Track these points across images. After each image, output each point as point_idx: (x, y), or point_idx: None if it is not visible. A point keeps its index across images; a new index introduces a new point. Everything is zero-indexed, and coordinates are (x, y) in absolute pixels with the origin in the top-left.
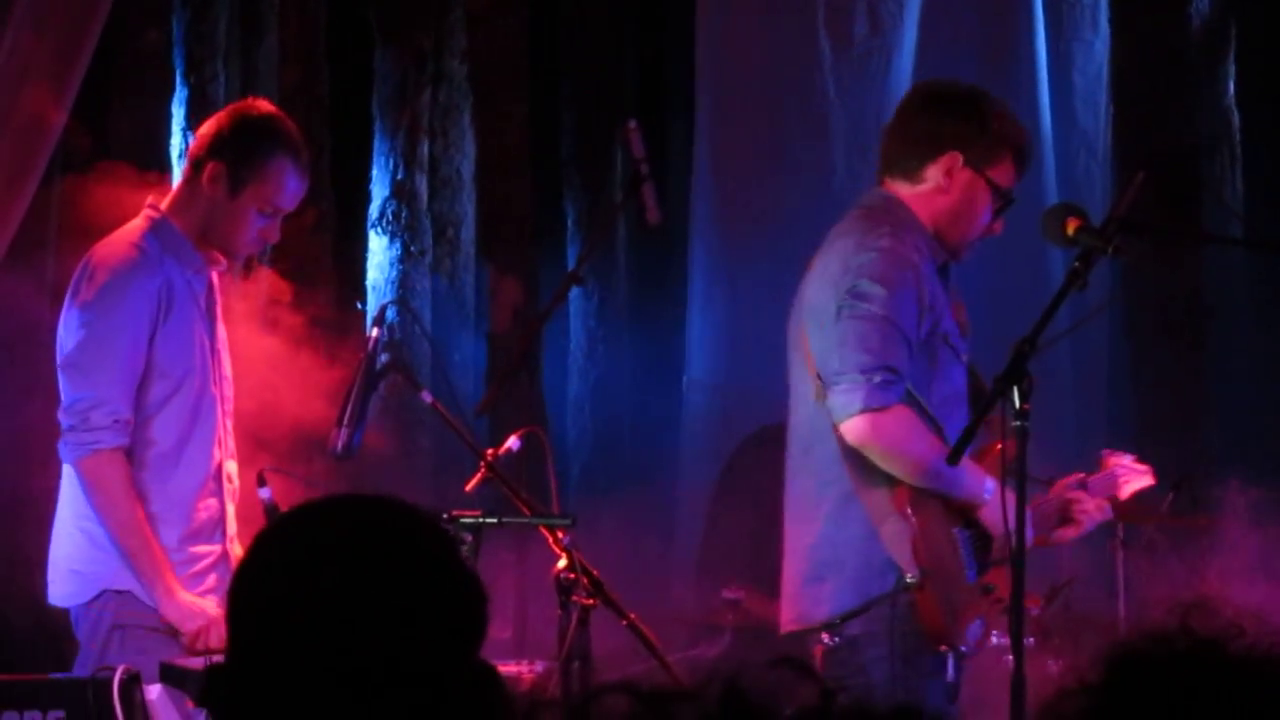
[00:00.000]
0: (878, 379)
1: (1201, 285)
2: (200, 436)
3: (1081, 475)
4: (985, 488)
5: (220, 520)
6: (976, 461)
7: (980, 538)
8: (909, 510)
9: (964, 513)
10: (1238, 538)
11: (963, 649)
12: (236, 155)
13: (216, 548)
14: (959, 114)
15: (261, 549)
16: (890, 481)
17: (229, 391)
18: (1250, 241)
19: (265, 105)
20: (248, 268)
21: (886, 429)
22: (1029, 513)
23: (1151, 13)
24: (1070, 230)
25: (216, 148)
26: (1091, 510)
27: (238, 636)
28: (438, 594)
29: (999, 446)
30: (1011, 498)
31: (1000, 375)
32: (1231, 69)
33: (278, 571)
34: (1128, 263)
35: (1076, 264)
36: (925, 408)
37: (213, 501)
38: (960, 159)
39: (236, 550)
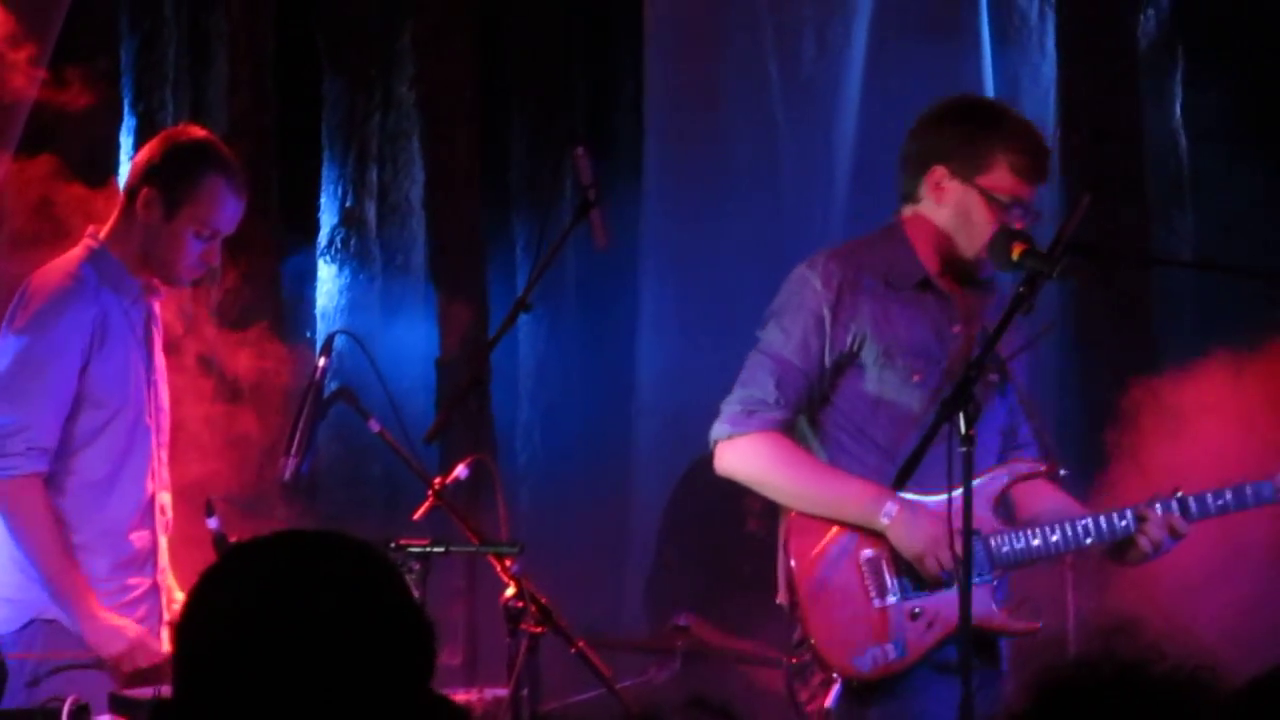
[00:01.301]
0: (738, 409)
1: (1150, 307)
2: (133, 467)
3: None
4: (884, 510)
5: (152, 551)
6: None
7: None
8: (786, 537)
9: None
10: (1183, 553)
11: (855, 675)
12: (169, 178)
13: (148, 579)
14: (943, 127)
15: (209, 585)
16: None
17: (165, 422)
18: (1197, 263)
19: (197, 130)
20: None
21: (741, 457)
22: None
23: (1098, 35)
24: (1015, 254)
25: (149, 173)
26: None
27: (186, 672)
28: (386, 628)
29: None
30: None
31: (946, 399)
32: (1178, 91)
33: (225, 608)
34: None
35: (1022, 288)
36: (859, 429)
37: (145, 533)
38: (946, 171)
39: (170, 582)
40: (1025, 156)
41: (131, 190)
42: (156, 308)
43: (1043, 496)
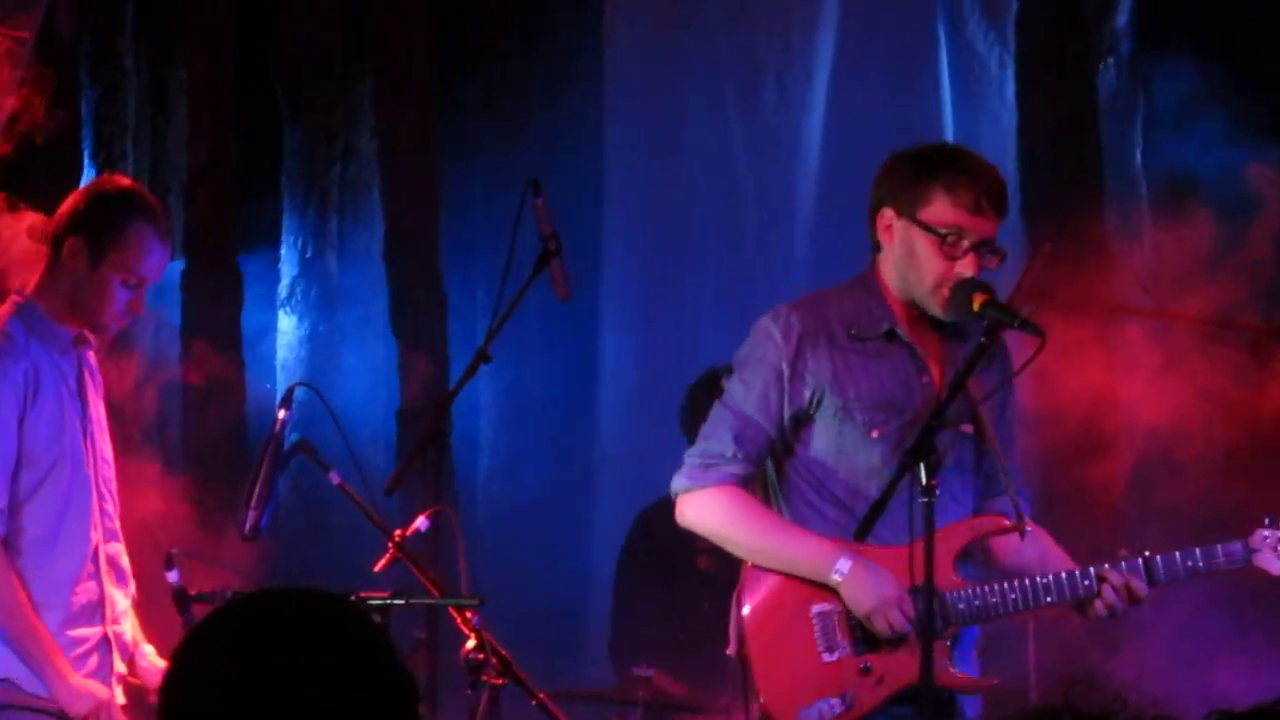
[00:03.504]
0: (697, 462)
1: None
2: (75, 520)
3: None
4: (835, 568)
5: (100, 603)
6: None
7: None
8: (740, 589)
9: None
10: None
11: None
12: (94, 227)
13: (97, 630)
14: (892, 171)
15: (194, 644)
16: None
17: (107, 472)
18: (1159, 312)
19: (122, 179)
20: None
21: (698, 511)
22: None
23: (1058, 83)
24: (976, 305)
25: (74, 222)
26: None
27: None
28: (370, 686)
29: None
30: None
31: (908, 450)
32: (1139, 138)
33: (211, 667)
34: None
35: (983, 338)
36: (820, 482)
37: (91, 584)
38: (893, 211)
39: (135, 635)
40: (963, 186)
41: (57, 240)
42: (91, 357)
43: (1023, 546)
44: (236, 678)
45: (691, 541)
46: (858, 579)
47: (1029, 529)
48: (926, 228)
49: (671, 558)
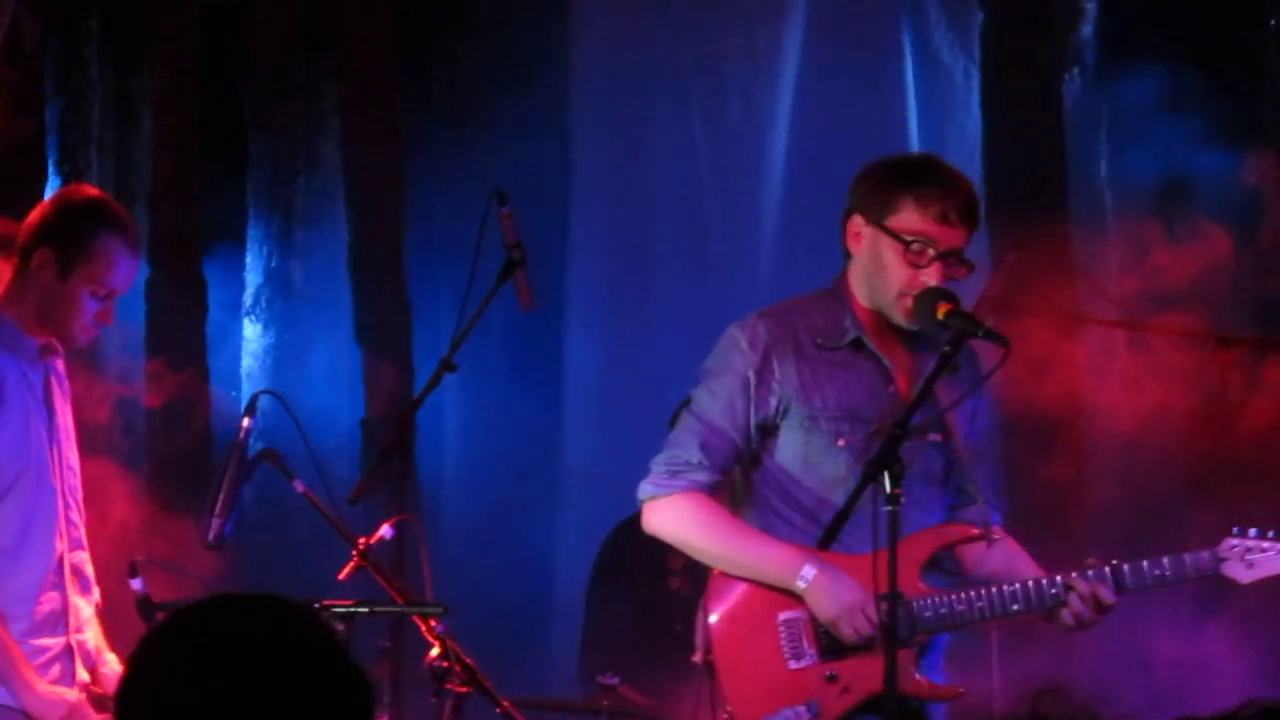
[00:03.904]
0: (664, 469)
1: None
2: (41, 530)
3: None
4: (800, 574)
5: (63, 613)
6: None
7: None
8: (707, 597)
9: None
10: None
11: None
12: (63, 238)
13: (60, 640)
14: (860, 177)
15: (149, 651)
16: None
17: (74, 481)
18: (1123, 323)
19: (90, 190)
20: None
21: (664, 518)
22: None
23: (1023, 92)
24: (940, 314)
25: (42, 234)
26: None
27: None
28: (327, 693)
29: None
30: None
31: (872, 460)
32: (1104, 148)
33: (166, 674)
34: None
35: (947, 348)
36: (786, 490)
37: (54, 594)
38: (862, 219)
39: (99, 643)
40: (932, 195)
41: (25, 251)
42: (60, 366)
43: (990, 555)
44: (190, 685)
45: (664, 561)
46: (822, 585)
47: (996, 538)
48: (893, 235)
49: (645, 574)
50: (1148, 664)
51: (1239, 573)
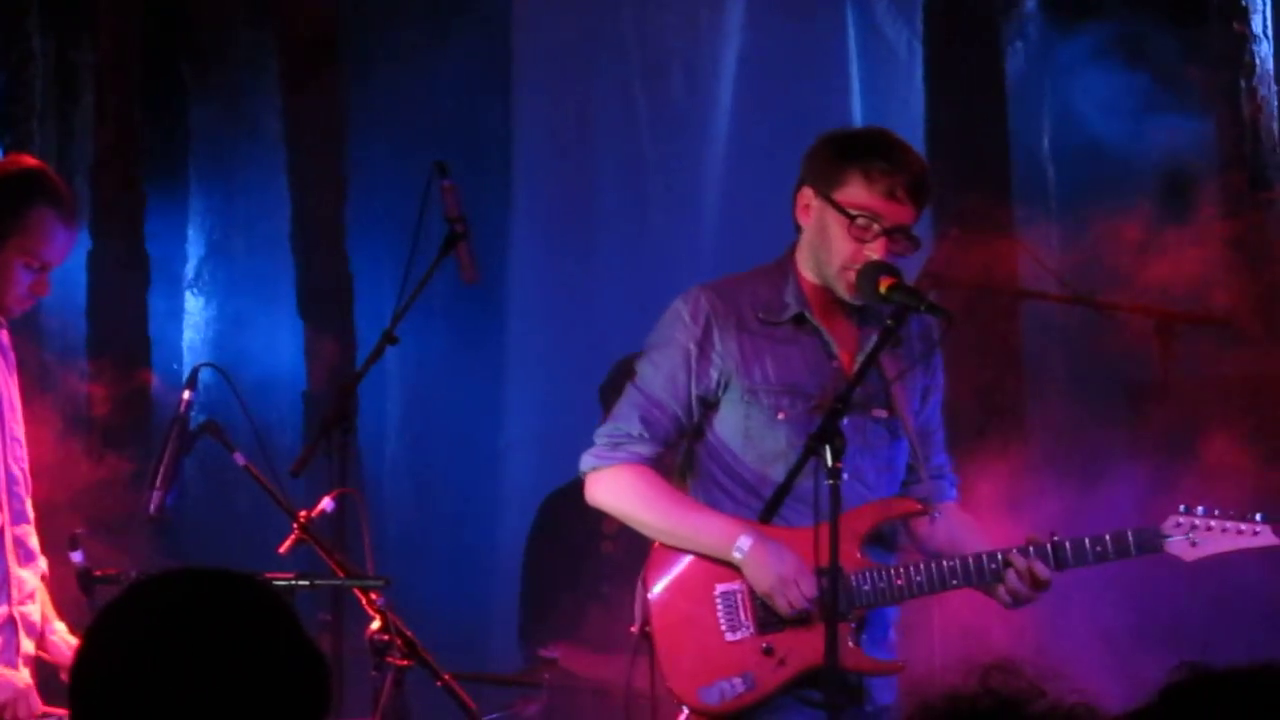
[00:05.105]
0: (605, 441)
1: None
2: None
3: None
4: (736, 545)
5: (4, 583)
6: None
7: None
8: (647, 568)
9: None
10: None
11: (701, 708)
12: None
13: (2, 610)
14: (812, 150)
15: (104, 625)
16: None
17: (19, 451)
18: (1066, 298)
19: (28, 160)
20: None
21: (605, 489)
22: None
23: (965, 70)
24: (883, 288)
25: None
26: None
27: (82, 713)
28: (282, 666)
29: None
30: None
31: (813, 434)
32: (1046, 124)
33: (121, 648)
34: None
35: (890, 322)
36: (728, 464)
37: None
38: (811, 191)
39: (47, 611)
40: (880, 170)
41: None
42: (4, 337)
43: (937, 529)
44: (146, 658)
45: (597, 525)
46: (758, 557)
47: (938, 514)
48: (839, 208)
49: (577, 540)
50: (1109, 635)
51: (1183, 550)
